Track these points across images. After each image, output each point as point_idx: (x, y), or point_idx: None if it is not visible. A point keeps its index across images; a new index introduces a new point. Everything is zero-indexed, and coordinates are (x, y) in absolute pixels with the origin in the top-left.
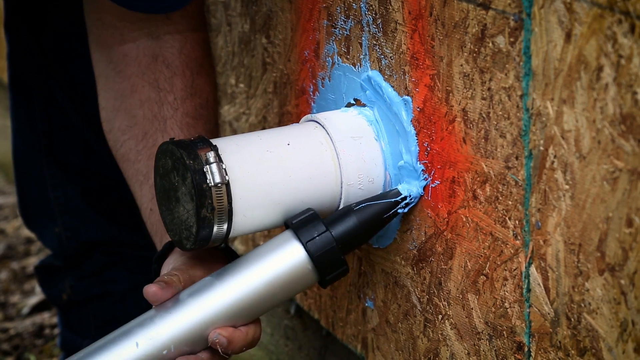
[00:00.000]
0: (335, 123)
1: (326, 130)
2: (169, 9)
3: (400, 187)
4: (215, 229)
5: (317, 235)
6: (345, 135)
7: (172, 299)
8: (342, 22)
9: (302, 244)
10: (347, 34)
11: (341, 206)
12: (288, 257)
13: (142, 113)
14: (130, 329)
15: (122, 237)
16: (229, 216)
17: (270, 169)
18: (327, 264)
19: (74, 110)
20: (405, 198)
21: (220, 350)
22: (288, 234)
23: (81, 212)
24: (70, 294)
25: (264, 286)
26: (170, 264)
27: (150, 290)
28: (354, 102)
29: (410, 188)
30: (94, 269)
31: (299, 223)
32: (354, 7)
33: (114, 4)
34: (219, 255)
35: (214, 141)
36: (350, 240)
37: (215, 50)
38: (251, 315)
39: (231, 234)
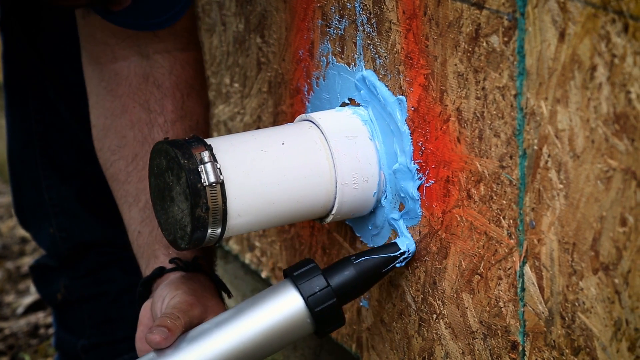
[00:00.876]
0: (330, 122)
1: (321, 130)
2: (155, 26)
3: (399, 241)
4: (209, 228)
5: (319, 290)
6: (339, 135)
7: (172, 345)
8: (337, 22)
9: (304, 299)
10: (341, 34)
11: (336, 205)
12: (288, 311)
13: (132, 134)
14: None
15: (117, 238)
16: (223, 216)
17: (265, 168)
18: (326, 319)
19: (69, 112)
20: (403, 253)
21: None
22: (289, 286)
23: (76, 213)
24: (65, 294)
25: (263, 338)
26: (165, 298)
27: (154, 339)
28: (349, 102)
29: (409, 243)
30: (89, 269)
31: (300, 274)
32: (349, 6)
33: (104, 20)
34: (212, 290)
35: (209, 141)
36: (349, 292)
37: (210, 49)
38: None
39: (226, 234)
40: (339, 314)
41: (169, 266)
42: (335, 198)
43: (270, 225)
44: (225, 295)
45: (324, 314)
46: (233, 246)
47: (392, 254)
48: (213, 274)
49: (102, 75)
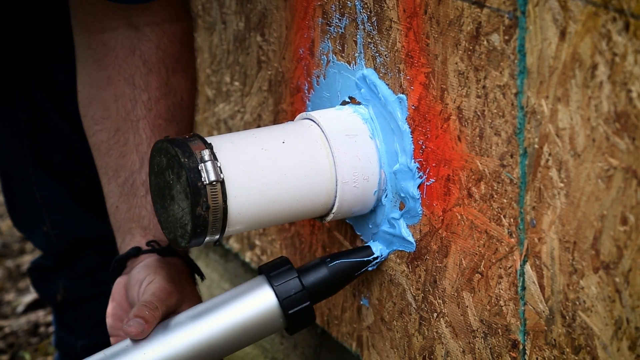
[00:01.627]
0: (330, 121)
1: (321, 128)
2: None
3: (373, 246)
4: (210, 227)
5: (294, 294)
6: (340, 134)
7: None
8: (337, 20)
9: (279, 301)
10: (342, 32)
11: (336, 204)
12: (263, 312)
13: (115, 108)
14: (106, 356)
15: (113, 235)
16: (223, 214)
17: (265, 167)
18: (298, 319)
19: (55, 112)
20: (377, 257)
21: None
22: (266, 286)
23: (69, 210)
24: (64, 295)
25: (236, 335)
26: (143, 282)
27: (131, 332)
28: (349, 100)
29: (382, 248)
30: (87, 270)
31: (277, 275)
32: (349, 5)
33: None
34: (187, 275)
35: (209, 139)
36: (321, 293)
37: (210, 48)
38: (217, 357)
39: (226, 232)
40: (310, 315)
41: (146, 247)
42: (335, 196)
43: (270, 224)
44: (198, 278)
45: (296, 315)
46: (233, 245)
47: (365, 259)
48: (188, 257)
49: (89, 43)
